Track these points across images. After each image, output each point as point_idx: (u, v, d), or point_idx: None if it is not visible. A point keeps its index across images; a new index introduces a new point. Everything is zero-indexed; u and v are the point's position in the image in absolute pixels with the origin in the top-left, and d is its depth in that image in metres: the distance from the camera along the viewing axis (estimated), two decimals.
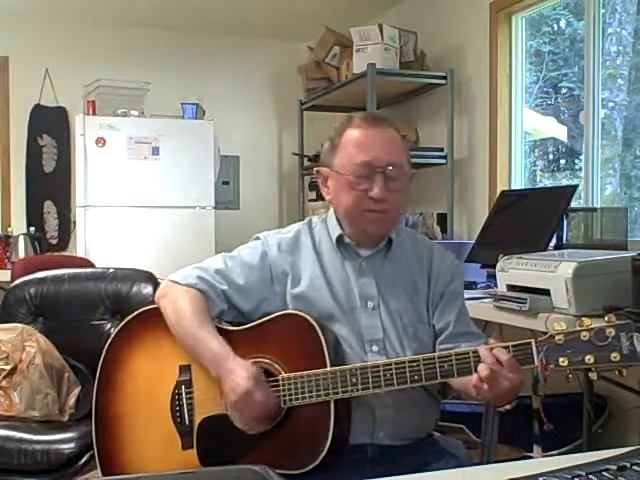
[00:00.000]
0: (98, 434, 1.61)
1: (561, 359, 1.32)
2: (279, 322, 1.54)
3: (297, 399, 1.45)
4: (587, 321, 1.32)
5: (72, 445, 2.17)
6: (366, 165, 1.54)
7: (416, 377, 1.41)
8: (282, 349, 1.51)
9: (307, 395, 1.44)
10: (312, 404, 1.44)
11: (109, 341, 1.63)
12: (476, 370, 1.37)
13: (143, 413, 1.57)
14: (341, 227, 1.64)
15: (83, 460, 2.15)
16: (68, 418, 2.37)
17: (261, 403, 1.42)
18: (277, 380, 1.47)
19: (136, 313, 1.65)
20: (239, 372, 1.43)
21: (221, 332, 1.54)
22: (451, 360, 1.40)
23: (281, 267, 1.62)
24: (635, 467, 1.02)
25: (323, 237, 1.66)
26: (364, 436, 1.55)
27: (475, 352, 1.38)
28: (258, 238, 1.68)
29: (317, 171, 1.66)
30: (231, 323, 1.62)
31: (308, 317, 1.50)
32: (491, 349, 1.36)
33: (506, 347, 1.36)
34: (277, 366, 1.49)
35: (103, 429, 1.60)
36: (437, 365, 1.40)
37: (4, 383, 2.35)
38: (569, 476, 1.00)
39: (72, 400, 2.41)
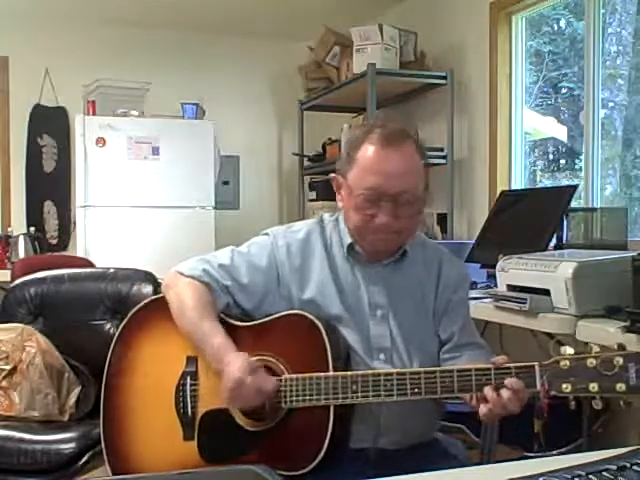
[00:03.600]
0: (105, 421, 1.62)
1: (564, 385, 1.27)
2: (285, 321, 1.53)
3: (297, 401, 1.45)
4: (595, 347, 1.28)
5: (72, 445, 2.17)
6: (374, 190, 1.49)
7: (416, 390, 1.39)
8: (286, 349, 1.51)
9: (307, 397, 1.44)
10: (312, 406, 1.44)
11: (119, 329, 1.65)
12: (479, 389, 1.35)
13: (149, 400, 1.58)
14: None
15: (83, 460, 2.15)
16: (68, 418, 2.37)
17: (253, 390, 1.42)
18: (279, 380, 1.47)
19: (146, 302, 1.67)
20: (234, 363, 1.43)
21: (226, 327, 1.53)
22: (452, 376, 1.38)
23: (288, 270, 1.59)
24: (635, 467, 1.02)
25: (334, 238, 1.64)
26: (367, 441, 1.55)
27: (477, 369, 1.36)
28: (267, 234, 1.65)
29: (333, 177, 1.62)
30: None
31: (314, 319, 1.50)
32: (496, 389, 1.33)
33: (508, 368, 1.34)
34: (280, 365, 1.49)
35: (110, 416, 1.61)
36: (438, 380, 1.39)
37: (4, 383, 2.34)
38: (569, 476, 1.00)
39: (72, 400, 2.41)
